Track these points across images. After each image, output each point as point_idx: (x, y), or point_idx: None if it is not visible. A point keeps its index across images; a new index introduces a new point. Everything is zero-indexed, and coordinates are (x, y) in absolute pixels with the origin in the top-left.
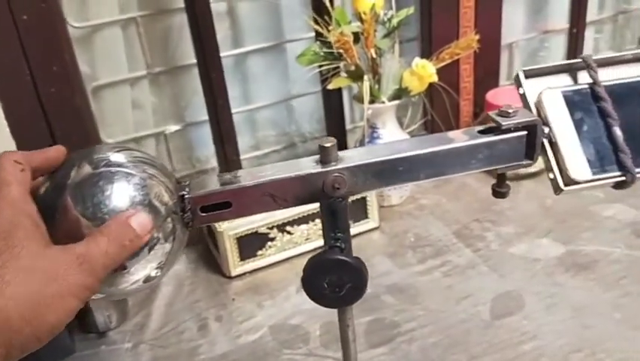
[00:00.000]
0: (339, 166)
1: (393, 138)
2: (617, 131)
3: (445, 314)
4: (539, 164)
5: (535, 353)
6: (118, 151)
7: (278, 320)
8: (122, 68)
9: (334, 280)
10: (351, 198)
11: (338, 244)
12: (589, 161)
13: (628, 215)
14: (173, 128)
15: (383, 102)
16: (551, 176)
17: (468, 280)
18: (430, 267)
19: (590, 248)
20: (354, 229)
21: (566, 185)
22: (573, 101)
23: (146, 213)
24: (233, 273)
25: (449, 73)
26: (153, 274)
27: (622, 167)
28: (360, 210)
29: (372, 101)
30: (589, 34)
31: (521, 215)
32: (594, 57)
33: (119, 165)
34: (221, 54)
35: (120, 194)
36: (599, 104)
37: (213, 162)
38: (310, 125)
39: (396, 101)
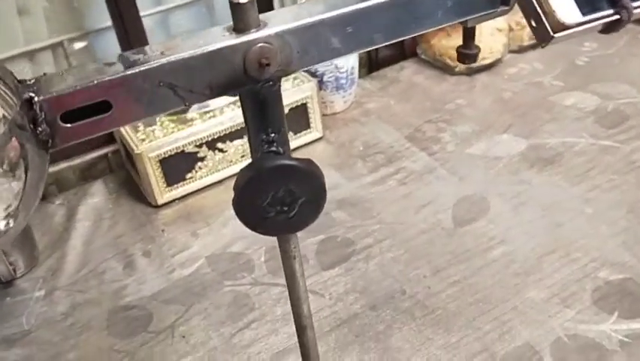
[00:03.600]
0: (265, 33)
1: None
2: None
3: (404, 226)
4: (494, 54)
5: (506, 260)
6: None
7: (216, 249)
8: None
9: (280, 196)
10: (288, 106)
11: (274, 148)
12: (576, 1)
13: (590, 102)
14: (76, 45)
15: None
16: (534, 24)
17: (426, 186)
18: (382, 176)
19: (554, 141)
20: (295, 141)
21: (554, 31)
22: None
23: None
24: (160, 201)
25: None
26: (3, 226)
27: (615, 3)
28: (301, 120)
29: None
30: None
31: (478, 112)
32: None
33: None
34: None
35: None
36: None
37: None
38: None
39: None
